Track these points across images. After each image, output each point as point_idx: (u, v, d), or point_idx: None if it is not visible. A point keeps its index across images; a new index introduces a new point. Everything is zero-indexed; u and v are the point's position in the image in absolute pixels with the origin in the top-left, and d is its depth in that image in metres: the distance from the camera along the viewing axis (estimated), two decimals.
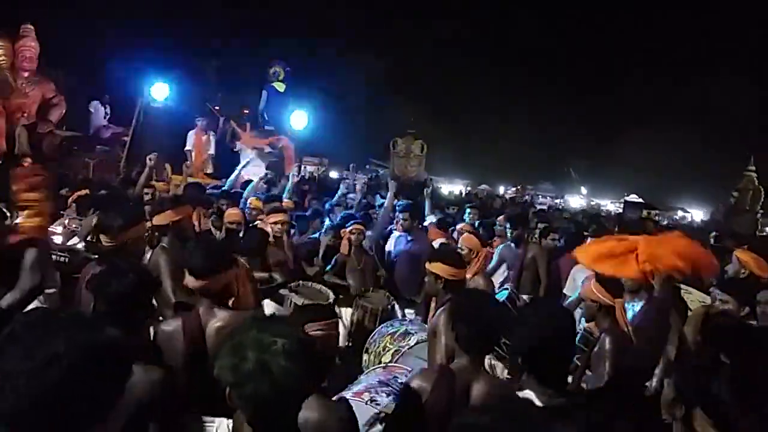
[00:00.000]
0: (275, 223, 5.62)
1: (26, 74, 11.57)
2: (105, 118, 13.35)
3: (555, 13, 47.86)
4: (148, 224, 4.04)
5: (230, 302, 2.82)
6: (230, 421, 2.38)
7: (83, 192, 6.46)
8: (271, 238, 5.46)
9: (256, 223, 6.00)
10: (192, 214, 4.57)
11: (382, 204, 8.48)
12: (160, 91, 11.02)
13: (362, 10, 37.12)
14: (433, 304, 4.05)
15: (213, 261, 2.76)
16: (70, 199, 6.29)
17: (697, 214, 33.29)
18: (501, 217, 7.81)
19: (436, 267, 3.83)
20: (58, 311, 1.35)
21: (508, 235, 6.69)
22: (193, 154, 10.25)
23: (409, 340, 4.56)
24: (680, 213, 34.83)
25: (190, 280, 2.74)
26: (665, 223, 21.84)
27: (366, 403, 3.54)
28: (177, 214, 4.07)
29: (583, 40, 50.55)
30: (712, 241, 9.91)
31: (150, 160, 6.47)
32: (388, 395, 3.76)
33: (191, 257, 2.76)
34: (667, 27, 47.02)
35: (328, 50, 33.11)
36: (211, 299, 2.75)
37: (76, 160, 11.16)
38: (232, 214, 5.87)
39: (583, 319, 4.32)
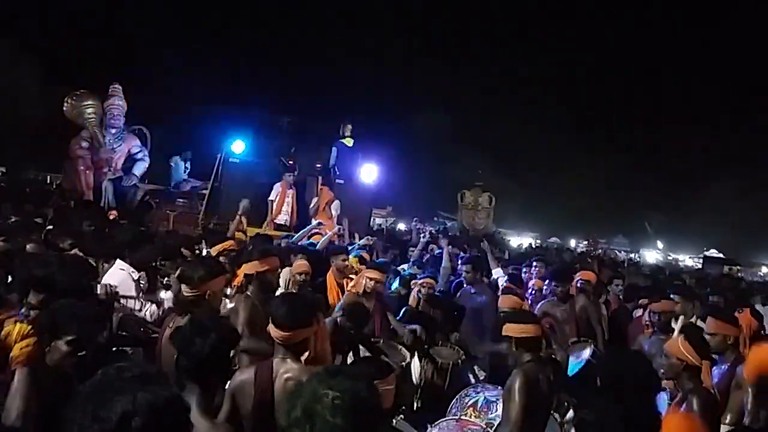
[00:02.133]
0: (371, 279, 5.58)
1: (114, 131, 12.34)
2: (185, 172, 13.96)
3: (627, 63, 47.35)
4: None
5: (305, 356, 2.87)
6: None
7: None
8: (361, 290, 5.53)
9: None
10: (278, 265, 4.69)
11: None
12: (238, 147, 11.47)
13: (429, 61, 37.77)
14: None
15: (297, 315, 2.86)
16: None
17: None
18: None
19: (508, 329, 3.78)
20: (123, 369, 1.40)
21: (553, 292, 6.27)
22: (274, 205, 10.58)
23: (496, 410, 4.44)
24: (764, 269, 33.07)
25: (272, 330, 2.85)
26: (749, 279, 20.73)
27: None
28: (263, 265, 4.23)
29: (657, 91, 49.67)
30: None
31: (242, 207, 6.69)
32: None
33: (277, 308, 2.87)
34: (750, 77, 45.63)
35: (397, 104, 33.78)
36: (288, 351, 2.84)
37: (157, 212, 11.67)
38: (300, 265, 5.71)
39: None
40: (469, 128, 39.75)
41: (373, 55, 33.95)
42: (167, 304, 4.60)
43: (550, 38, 42.73)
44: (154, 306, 4.63)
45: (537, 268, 7.55)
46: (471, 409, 4.56)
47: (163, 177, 13.83)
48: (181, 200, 12.58)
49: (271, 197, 10.69)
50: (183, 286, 3.51)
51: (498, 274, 7.46)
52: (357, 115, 12.51)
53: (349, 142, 12.10)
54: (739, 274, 24.59)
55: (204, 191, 11.97)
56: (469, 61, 42.03)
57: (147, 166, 12.80)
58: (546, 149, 44.77)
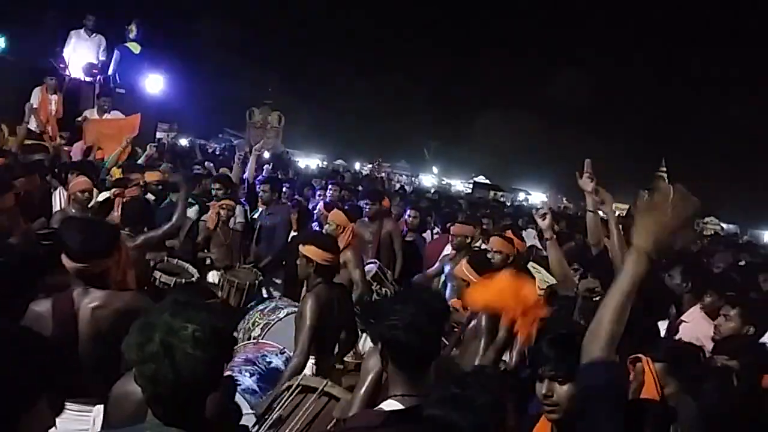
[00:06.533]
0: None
1: None
2: None
3: None
4: None
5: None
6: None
7: None
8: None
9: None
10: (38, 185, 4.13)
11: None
12: None
13: None
14: (304, 288, 4.02)
15: (94, 245, 2.55)
16: None
17: (537, 197, 35.78)
18: None
19: (309, 250, 3.75)
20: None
21: (366, 210, 6.54)
22: (38, 114, 9.25)
23: (279, 313, 4.62)
24: (522, 195, 37.25)
25: (66, 261, 2.51)
26: (509, 204, 23.21)
27: None
28: (28, 184, 3.65)
29: (438, 26, 52.26)
30: None
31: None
32: (251, 375, 3.71)
33: (70, 237, 2.52)
34: (522, 15, 49.87)
35: (186, 13, 31.44)
36: (88, 282, 2.56)
37: None
38: (81, 182, 4.89)
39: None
40: (260, 45, 38.55)
41: None
42: None
43: None
44: None
45: (333, 191, 7.81)
46: (258, 313, 4.69)
47: None
48: None
49: (33, 103, 9.36)
50: None
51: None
52: (143, 19, 11.31)
53: (135, 47, 10.98)
54: (502, 198, 27.50)
55: None
56: None
57: None
58: (335, 72, 45.21)
